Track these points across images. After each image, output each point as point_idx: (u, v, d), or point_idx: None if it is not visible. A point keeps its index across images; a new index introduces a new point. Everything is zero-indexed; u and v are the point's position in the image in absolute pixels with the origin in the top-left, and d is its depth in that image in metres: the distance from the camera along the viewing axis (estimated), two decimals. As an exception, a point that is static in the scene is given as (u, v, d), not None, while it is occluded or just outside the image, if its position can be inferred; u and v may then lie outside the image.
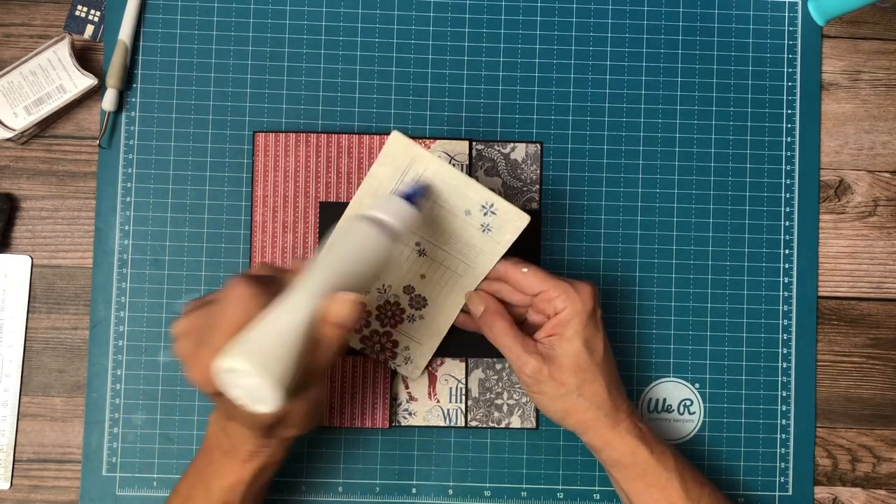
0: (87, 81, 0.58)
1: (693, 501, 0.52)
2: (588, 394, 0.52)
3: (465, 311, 0.57)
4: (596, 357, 0.52)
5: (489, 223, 0.53)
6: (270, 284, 0.45)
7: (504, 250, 0.54)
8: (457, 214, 0.54)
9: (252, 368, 0.40)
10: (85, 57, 0.60)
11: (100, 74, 0.60)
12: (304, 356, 0.43)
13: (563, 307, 0.52)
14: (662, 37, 0.62)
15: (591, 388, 0.52)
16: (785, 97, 0.62)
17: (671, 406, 0.60)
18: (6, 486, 0.58)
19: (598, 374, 0.52)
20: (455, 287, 0.56)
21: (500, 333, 0.53)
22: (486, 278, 0.55)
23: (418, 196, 0.51)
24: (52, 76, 0.58)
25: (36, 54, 0.58)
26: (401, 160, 0.52)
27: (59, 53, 0.58)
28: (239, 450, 0.49)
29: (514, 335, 0.53)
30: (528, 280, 0.53)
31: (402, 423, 0.59)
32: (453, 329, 0.58)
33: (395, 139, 0.52)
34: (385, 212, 0.48)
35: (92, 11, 0.61)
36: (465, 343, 0.58)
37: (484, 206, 0.53)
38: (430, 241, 0.55)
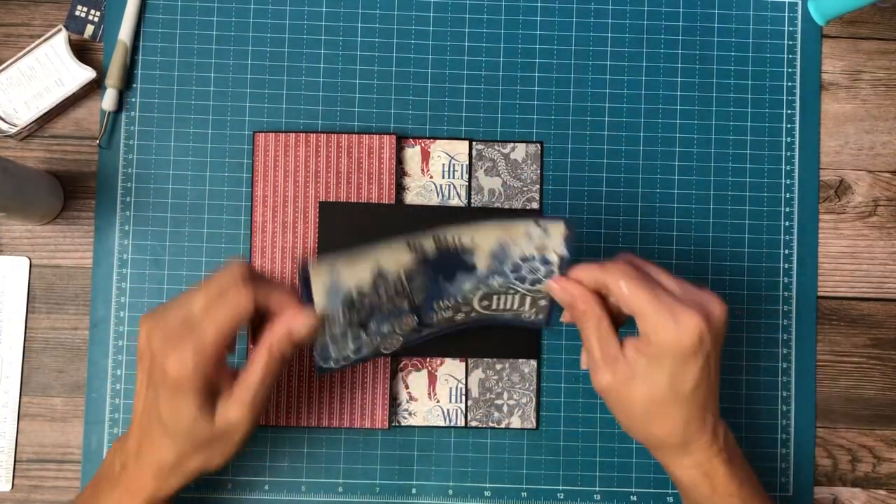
0: (85, 74, 0.58)
1: None
2: (657, 425, 0.48)
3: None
4: (681, 389, 0.46)
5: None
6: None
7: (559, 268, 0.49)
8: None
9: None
10: (85, 57, 0.60)
11: (100, 74, 0.60)
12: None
13: (658, 337, 0.46)
14: (662, 37, 0.62)
15: (660, 422, 0.48)
16: (785, 97, 0.62)
17: (671, 406, 0.60)
18: (7, 487, 0.58)
19: (676, 408, 0.47)
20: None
21: (588, 331, 0.48)
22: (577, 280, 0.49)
23: None
24: (50, 70, 0.58)
25: (32, 49, 0.58)
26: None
27: (56, 47, 0.58)
28: (131, 479, 0.47)
29: (599, 338, 0.48)
30: (626, 299, 0.46)
31: (402, 423, 0.59)
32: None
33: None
34: None
35: (92, 11, 0.60)
36: (464, 343, 0.58)
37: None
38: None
